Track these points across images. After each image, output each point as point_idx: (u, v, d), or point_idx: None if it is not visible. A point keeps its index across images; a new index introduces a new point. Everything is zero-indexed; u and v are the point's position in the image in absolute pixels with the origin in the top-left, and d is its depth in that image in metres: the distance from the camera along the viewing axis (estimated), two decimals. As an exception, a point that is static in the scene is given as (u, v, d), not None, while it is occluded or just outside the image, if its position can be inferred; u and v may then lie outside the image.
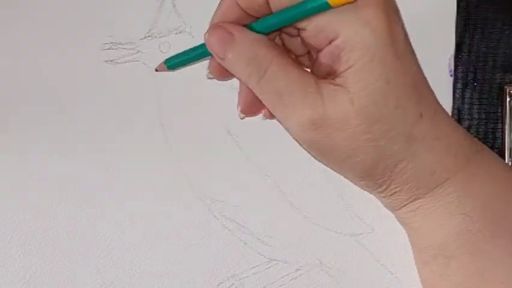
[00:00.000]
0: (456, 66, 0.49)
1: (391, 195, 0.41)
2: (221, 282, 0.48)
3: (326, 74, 0.39)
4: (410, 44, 0.40)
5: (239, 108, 0.44)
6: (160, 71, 0.46)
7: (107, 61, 0.50)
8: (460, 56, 0.49)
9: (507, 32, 0.49)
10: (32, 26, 0.50)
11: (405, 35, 0.39)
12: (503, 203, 0.40)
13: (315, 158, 0.42)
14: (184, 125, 0.49)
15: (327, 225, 0.48)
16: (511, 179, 0.41)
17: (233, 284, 0.48)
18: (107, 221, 0.48)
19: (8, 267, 0.48)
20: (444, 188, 0.40)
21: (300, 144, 0.41)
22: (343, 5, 0.37)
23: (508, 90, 0.49)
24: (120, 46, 0.50)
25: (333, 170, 0.43)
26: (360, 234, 0.48)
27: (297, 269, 0.48)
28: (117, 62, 0.50)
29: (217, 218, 0.48)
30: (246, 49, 0.40)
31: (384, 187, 0.40)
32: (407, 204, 0.41)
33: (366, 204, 0.47)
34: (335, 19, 0.38)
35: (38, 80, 0.49)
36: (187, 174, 0.48)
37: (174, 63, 0.45)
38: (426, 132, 0.39)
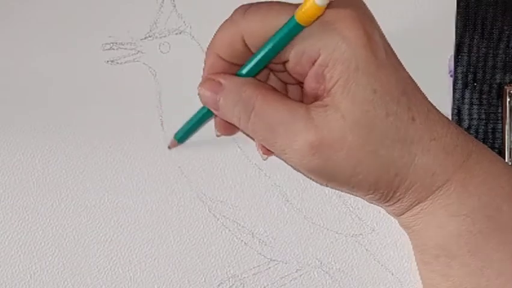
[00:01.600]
0: (456, 66, 0.49)
1: (395, 203, 0.41)
2: (221, 283, 0.48)
3: (315, 99, 0.40)
4: (391, 49, 0.40)
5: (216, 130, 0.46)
6: (173, 147, 0.48)
7: (107, 61, 0.50)
8: (459, 56, 0.49)
9: (507, 32, 0.49)
10: (32, 26, 0.50)
11: (385, 41, 0.40)
12: (502, 200, 0.40)
13: (321, 184, 0.43)
14: (184, 125, 0.49)
15: (327, 226, 0.48)
16: (509, 175, 0.41)
17: (233, 284, 0.48)
18: (107, 221, 0.48)
19: (8, 267, 0.48)
20: (445, 189, 0.40)
21: (305, 174, 0.41)
22: (313, 21, 0.37)
23: (508, 90, 0.49)
24: (121, 46, 0.50)
25: (340, 191, 0.43)
26: (360, 234, 0.48)
27: (297, 269, 0.48)
28: (118, 62, 0.50)
29: (217, 218, 0.48)
30: (232, 92, 0.41)
31: (389, 197, 0.41)
32: (410, 209, 0.41)
33: (366, 204, 0.47)
34: (313, 40, 0.38)
35: (38, 80, 0.50)
36: (187, 174, 0.48)
37: (182, 134, 0.47)
38: (421, 134, 0.39)
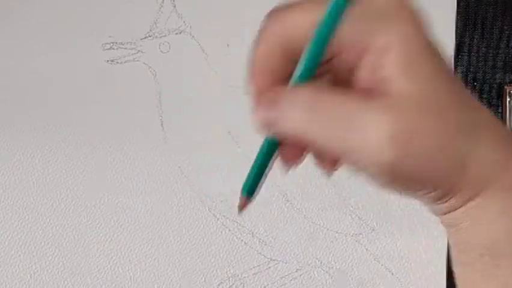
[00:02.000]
0: (456, 66, 0.49)
1: (450, 198, 0.39)
2: (221, 282, 0.48)
3: (368, 92, 0.37)
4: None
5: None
6: (244, 206, 0.41)
7: (108, 61, 0.50)
8: (460, 56, 0.49)
9: (507, 32, 0.49)
10: (32, 26, 0.50)
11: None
12: None
13: (389, 187, 0.39)
14: (184, 125, 0.49)
15: (327, 225, 0.48)
16: None
17: (233, 284, 0.48)
18: (107, 221, 0.48)
19: (8, 267, 0.48)
20: (501, 183, 0.38)
21: (375, 177, 0.38)
22: None
23: (508, 90, 0.49)
24: (121, 46, 0.50)
25: (406, 192, 0.40)
26: (360, 234, 0.48)
27: (297, 269, 0.48)
28: (118, 62, 0.50)
29: (217, 218, 0.48)
30: (290, 100, 0.37)
31: (447, 193, 0.38)
32: (464, 204, 0.39)
33: (366, 204, 0.47)
34: (366, 26, 0.36)
35: (38, 80, 0.50)
36: (187, 174, 0.48)
37: (249, 186, 0.40)
38: (479, 121, 0.38)
